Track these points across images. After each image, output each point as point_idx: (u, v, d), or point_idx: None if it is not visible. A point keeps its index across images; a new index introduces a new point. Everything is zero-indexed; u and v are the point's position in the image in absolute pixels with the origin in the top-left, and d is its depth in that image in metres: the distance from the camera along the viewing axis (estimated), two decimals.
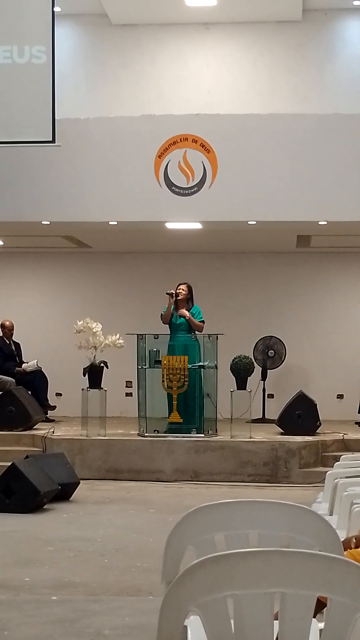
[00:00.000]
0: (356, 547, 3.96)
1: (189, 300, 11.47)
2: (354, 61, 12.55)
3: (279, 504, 3.31)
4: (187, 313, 11.34)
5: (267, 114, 11.77)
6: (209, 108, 12.03)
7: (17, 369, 12.93)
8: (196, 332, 11.32)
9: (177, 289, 11.42)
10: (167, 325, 11.45)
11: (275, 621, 2.67)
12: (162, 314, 11.42)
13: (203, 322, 11.38)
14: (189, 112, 11.88)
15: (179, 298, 11.36)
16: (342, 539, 3.90)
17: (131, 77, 12.85)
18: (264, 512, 3.29)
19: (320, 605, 2.82)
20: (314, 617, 2.82)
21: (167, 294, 11.39)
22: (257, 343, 13.45)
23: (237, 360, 11.57)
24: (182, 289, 11.42)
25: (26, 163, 11.70)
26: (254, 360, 12.22)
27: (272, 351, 13.45)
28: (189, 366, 10.98)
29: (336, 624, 2.52)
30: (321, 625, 2.80)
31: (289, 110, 11.97)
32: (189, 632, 3.07)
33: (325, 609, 2.78)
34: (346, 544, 3.92)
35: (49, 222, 11.95)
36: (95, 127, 11.79)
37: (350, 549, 3.94)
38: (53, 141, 11.01)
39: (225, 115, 11.73)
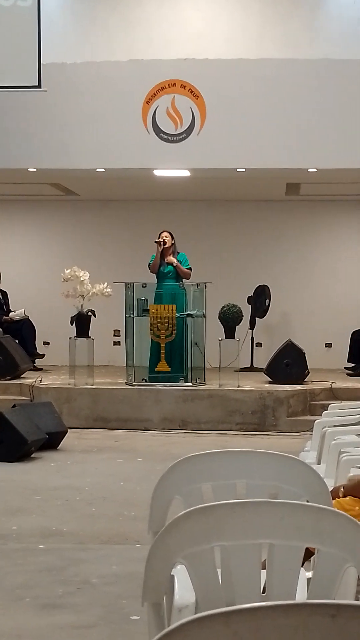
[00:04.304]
0: (344, 496, 3.94)
1: (174, 247, 11.40)
2: (345, 6, 12.33)
3: (266, 453, 3.28)
4: (175, 260, 11.27)
5: (257, 59, 11.60)
6: (198, 53, 11.84)
7: (4, 317, 12.87)
8: (184, 279, 11.26)
9: (160, 237, 11.33)
10: (154, 274, 11.39)
11: (262, 570, 2.65)
12: (149, 263, 11.35)
13: (190, 269, 11.32)
14: (178, 57, 11.70)
15: (165, 246, 11.28)
16: (330, 488, 3.89)
17: (119, 21, 12.61)
18: (251, 461, 3.27)
19: (308, 553, 2.80)
20: (302, 566, 2.81)
21: (155, 242, 11.30)
22: (256, 289, 13.36)
23: (225, 309, 11.53)
24: (166, 236, 11.33)
25: (11, 108, 11.52)
26: (249, 305, 12.12)
27: (268, 300, 13.38)
28: (177, 315, 10.93)
29: (325, 575, 2.50)
30: (309, 574, 2.78)
31: (279, 56, 11.78)
32: (175, 581, 3.06)
33: (312, 557, 2.76)
34: (334, 493, 3.91)
35: (35, 169, 11.82)
36: (82, 72, 11.61)
37: (339, 497, 3.92)
38: (39, 86, 10.84)
39: (215, 60, 11.56)
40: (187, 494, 3.22)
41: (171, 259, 11.28)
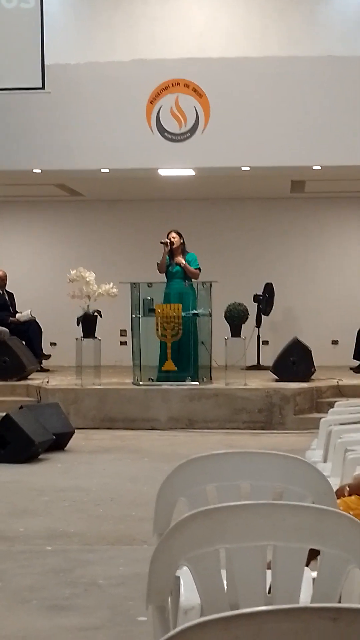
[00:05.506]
0: (349, 495, 3.94)
1: (183, 247, 11.37)
2: (348, 2, 12.31)
3: (270, 454, 3.27)
4: (182, 260, 11.25)
5: (260, 57, 11.59)
6: (201, 51, 11.83)
7: (10, 319, 12.87)
8: (192, 279, 11.24)
9: (168, 237, 11.31)
10: (164, 274, 11.38)
11: (268, 570, 2.65)
12: (158, 264, 11.32)
13: (199, 269, 11.29)
14: (181, 56, 11.69)
15: (173, 246, 11.26)
16: (336, 487, 3.88)
17: (122, 21, 12.61)
18: (255, 462, 3.26)
19: (315, 552, 2.79)
20: (308, 565, 2.80)
21: (161, 243, 11.29)
22: (265, 286, 13.37)
23: (231, 307, 11.51)
24: (174, 237, 11.31)
25: (16, 110, 11.53)
26: (255, 303, 12.14)
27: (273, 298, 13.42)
28: (183, 314, 10.92)
29: (328, 576, 2.49)
30: (314, 573, 2.78)
31: (281, 53, 11.77)
32: (181, 582, 3.05)
33: (318, 557, 2.76)
34: (339, 493, 3.91)
35: (40, 171, 11.82)
36: (85, 73, 11.61)
37: (344, 496, 3.92)
38: (43, 87, 10.86)
39: (218, 59, 11.55)
40: (191, 495, 3.21)
41: (179, 259, 11.25)
